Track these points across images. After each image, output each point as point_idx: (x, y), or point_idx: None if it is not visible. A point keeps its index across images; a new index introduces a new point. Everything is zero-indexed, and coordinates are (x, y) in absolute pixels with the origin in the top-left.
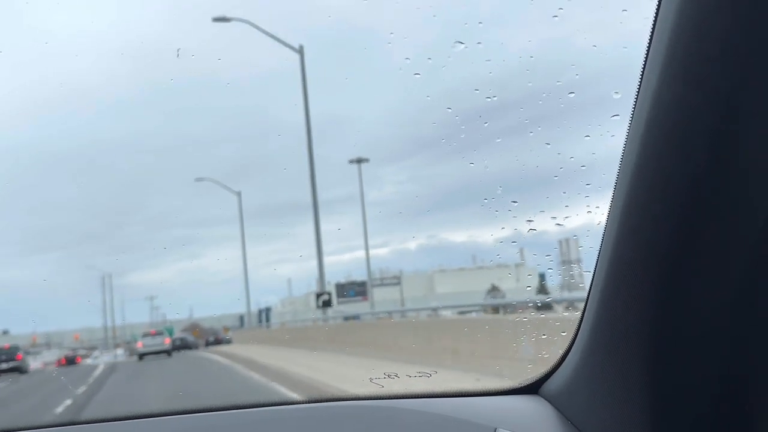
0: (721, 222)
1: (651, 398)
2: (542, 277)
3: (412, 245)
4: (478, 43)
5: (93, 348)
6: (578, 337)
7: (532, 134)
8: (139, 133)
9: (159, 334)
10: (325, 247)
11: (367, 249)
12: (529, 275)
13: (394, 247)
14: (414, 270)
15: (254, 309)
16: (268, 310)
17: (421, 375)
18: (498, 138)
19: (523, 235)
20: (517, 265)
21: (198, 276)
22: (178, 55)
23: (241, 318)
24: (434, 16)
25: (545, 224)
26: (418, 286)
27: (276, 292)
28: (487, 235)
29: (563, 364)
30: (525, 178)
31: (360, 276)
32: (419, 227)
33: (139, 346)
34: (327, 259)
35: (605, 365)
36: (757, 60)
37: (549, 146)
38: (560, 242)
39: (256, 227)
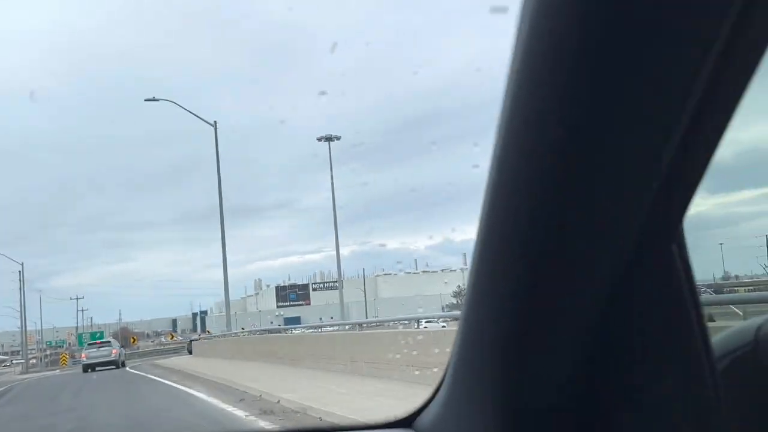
0: (561, 281)
1: (506, 428)
2: None
3: (345, 251)
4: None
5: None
6: (448, 368)
7: (396, 181)
8: (72, 134)
9: (105, 344)
10: (259, 253)
11: (337, 245)
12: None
13: (328, 253)
14: (356, 274)
15: (188, 313)
16: (203, 314)
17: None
18: (371, 175)
19: (455, 243)
20: (462, 270)
21: (128, 280)
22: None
23: (174, 322)
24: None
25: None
26: (360, 290)
27: (210, 296)
28: (420, 242)
29: (436, 396)
30: (448, 191)
31: (299, 280)
32: (353, 234)
33: (83, 357)
34: (261, 264)
35: (468, 394)
36: (603, 102)
37: (414, 192)
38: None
39: (188, 231)
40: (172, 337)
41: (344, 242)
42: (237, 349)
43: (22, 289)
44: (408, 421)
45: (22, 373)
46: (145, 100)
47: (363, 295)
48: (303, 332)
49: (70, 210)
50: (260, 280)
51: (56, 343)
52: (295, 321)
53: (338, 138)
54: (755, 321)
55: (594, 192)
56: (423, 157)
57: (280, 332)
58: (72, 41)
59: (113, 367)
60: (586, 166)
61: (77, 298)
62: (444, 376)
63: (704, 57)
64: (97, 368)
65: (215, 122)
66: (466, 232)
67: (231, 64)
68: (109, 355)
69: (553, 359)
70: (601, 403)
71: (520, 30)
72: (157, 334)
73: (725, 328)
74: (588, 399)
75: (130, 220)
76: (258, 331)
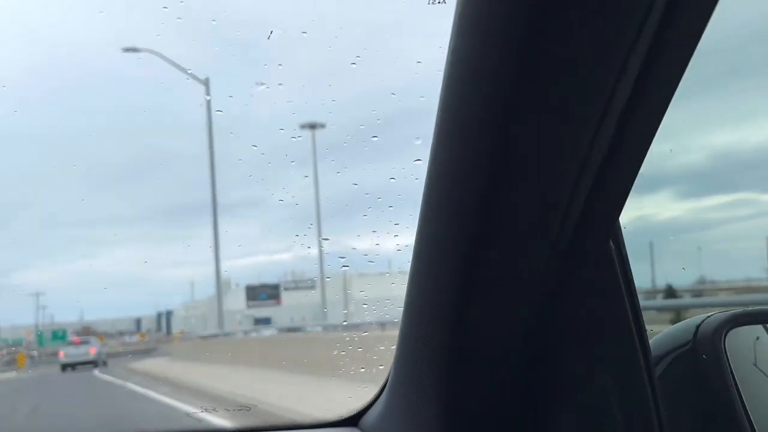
0: (498, 279)
1: (443, 424)
2: None
3: (315, 251)
4: (279, 84)
5: None
6: (393, 367)
7: (338, 174)
8: (30, 126)
9: (84, 342)
10: (227, 252)
11: (320, 242)
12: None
13: (297, 253)
14: (330, 274)
15: (153, 313)
16: (169, 314)
17: (241, 409)
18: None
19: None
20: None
21: (90, 277)
22: None
23: (138, 322)
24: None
25: None
26: (336, 290)
27: (176, 296)
28: (390, 242)
29: (381, 395)
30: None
31: (270, 279)
32: (324, 233)
33: (61, 355)
34: (230, 263)
35: (411, 396)
36: (533, 101)
37: (356, 186)
38: None
39: (152, 229)
40: (143, 336)
41: (313, 242)
42: (228, 351)
43: None
44: (353, 419)
45: None
46: (124, 49)
47: (339, 294)
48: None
49: (30, 204)
50: (229, 279)
51: (13, 341)
52: (266, 321)
53: (323, 125)
54: (695, 320)
55: (525, 191)
56: (391, 155)
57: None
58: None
59: (92, 366)
60: (516, 166)
61: (37, 294)
62: (388, 376)
63: (630, 56)
64: (77, 368)
65: (207, 79)
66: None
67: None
68: (87, 354)
69: (489, 360)
70: (538, 402)
71: (453, 29)
72: (121, 334)
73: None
74: (524, 399)
75: (91, 216)
76: (251, 331)
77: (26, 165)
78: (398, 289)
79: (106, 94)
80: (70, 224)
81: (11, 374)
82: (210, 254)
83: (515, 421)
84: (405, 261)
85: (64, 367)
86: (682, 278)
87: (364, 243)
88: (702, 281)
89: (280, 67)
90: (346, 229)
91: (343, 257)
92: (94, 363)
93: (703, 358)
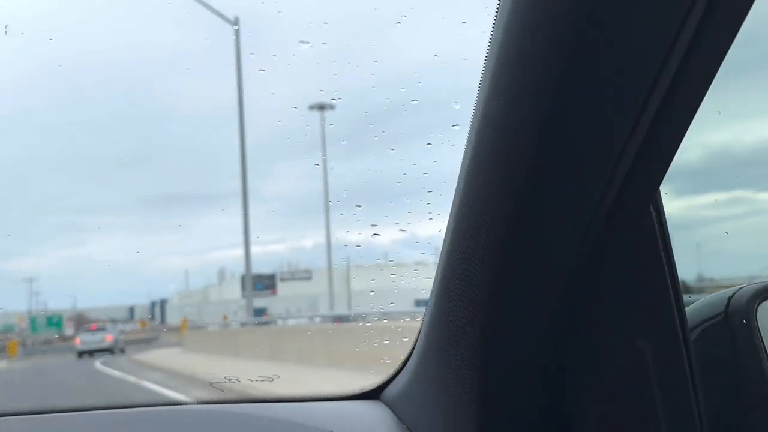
0: (540, 238)
1: (479, 401)
2: None
3: (308, 243)
4: (324, 43)
5: None
6: (418, 341)
7: (377, 138)
8: (20, 111)
9: (101, 329)
10: (219, 242)
11: (328, 230)
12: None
13: (291, 244)
14: (326, 264)
15: (147, 302)
16: (163, 302)
17: (262, 379)
18: (343, 140)
19: (420, 237)
20: (436, 264)
21: (83, 265)
22: (5, 32)
23: (131, 310)
24: (279, 12)
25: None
26: (333, 281)
27: (169, 285)
28: (384, 235)
29: (403, 369)
30: (370, 183)
31: (262, 270)
32: (316, 225)
33: (77, 342)
34: (221, 253)
35: (438, 369)
36: (580, 80)
37: (393, 152)
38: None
39: (145, 218)
40: (144, 324)
41: (307, 234)
42: (252, 342)
43: None
44: (375, 393)
45: None
46: None
47: (336, 287)
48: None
49: (22, 192)
50: (224, 268)
51: (4, 327)
52: (261, 312)
53: (333, 107)
54: (727, 291)
55: (571, 152)
56: (387, 148)
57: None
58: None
59: (109, 353)
60: (561, 133)
61: (30, 280)
62: (411, 351)
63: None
64: (83, 356)
65: (236, 18)
66: (431, 226)
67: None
68: (104, 341)
69: (521, 334)
70: (573, 372)
71: (495, 36)
72: (114, 322)
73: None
74: (557, 369)
75: (84, 204)
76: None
77: (20, 150)
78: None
79: (103, 82)
80: (63, 211)
81: (0, 364)
82: (204, 244)
83: (546, 391)
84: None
85: (81, 354)
86: (681, 275)
87: (355, 236)
88: (701, 278)
89: (326, 25)
90: (378, 198)
91: (375, 225)
92: (110, 350)
93: (734, 329)
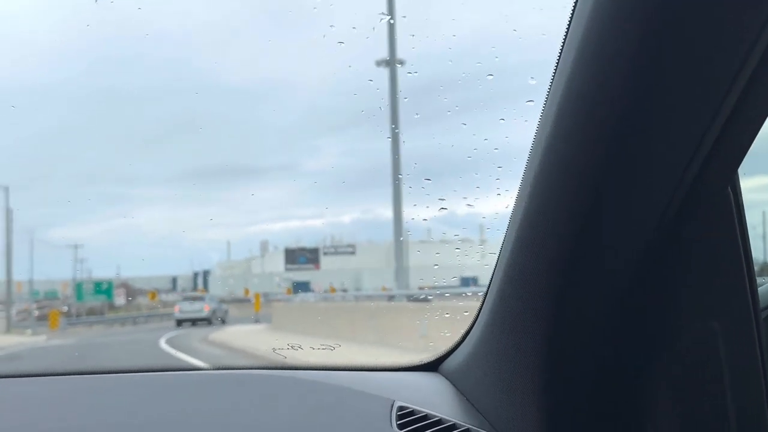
0: (626, 217)
1: (542, 376)
2: None
3: (346, 218)
4: (403, 16)
5: None
6: (479, 316)
7: (449, 113)
8: (67, 82)
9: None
10: (259, 215)
11: (398, 202)
12: (491, 253)
13: (329, 220)
14: (368, 240)
15: (189, 272)
16: (206, 273)
17: (324, 348)
18: (416, 113)
19: (457, 215)
20: (484, 242)
21: (126, 235)
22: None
23: (174, 280)
24: None
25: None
26: (375, 256)
27: (209, 256)
28: (420, 212)
29: (463, 343)
30: (439, 157)
31: (302, 244)
32: (355, 201)
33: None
34: (261, 227)
35: (501, 342)
36: (667, 58)
37: (465, 126)
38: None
39: (187, 189)
40: (203, 292)
41: (345, 210)
42: (362, 319)
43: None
44: (434, 365)
45: None
46: None
47: (379, 262)
48: None
49: (69, 162)
50: (267, 241)
51: (45, 294)
52: (304, 286)
53: (402, 63)
54: None
55: (651, 132)
56: (427, 125)
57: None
58: None
59: (206, 323)
60: (645, 110)
61: (75, 246)
62: (471, 326)
63: None
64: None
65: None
66: (499, 202)
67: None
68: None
69: (594, 308)
70: (643, 350)
71: (581, 10)
72: (158, 291)
73: None
74: (629, 346)
75: (128, 175)
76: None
77: (67, 122)
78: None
79: (146, 53)
80: (107, 182)
81: (38, 338)
82: (245, 217)
83: (614, 367)
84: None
85: (179, 322)
86: (755, 256)
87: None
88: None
89: None
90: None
91: (443, 199)
92: (207, 320)
93: None
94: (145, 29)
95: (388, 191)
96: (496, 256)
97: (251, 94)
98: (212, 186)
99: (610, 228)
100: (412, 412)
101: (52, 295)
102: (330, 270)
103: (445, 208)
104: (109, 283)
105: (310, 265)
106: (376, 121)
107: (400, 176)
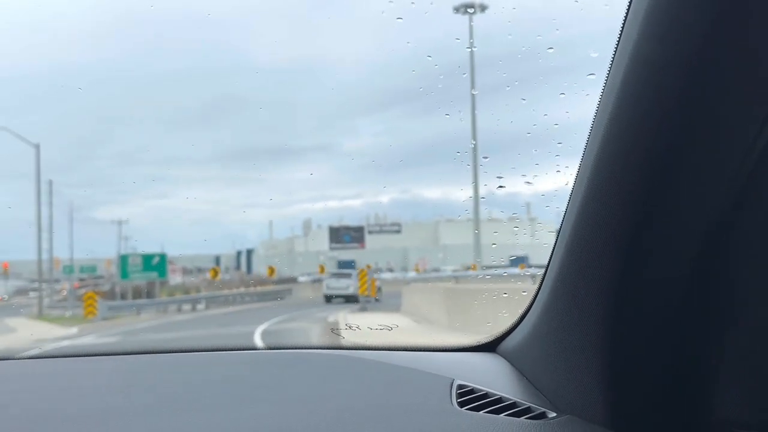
0: (690, 190)
1: (604, 354)
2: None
3: (384, 198)
4: None
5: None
6: (537, 297)
7: (508, 88)
8: (110, 63)
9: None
10: (297, 195)
11: (476, 178)
12: (550, 231)
13: (367, 200)
14: (412, 218)
15: (231, 251)
16: (250, 252)
17: (382, 328)
18: (474, 90)
19: (498, 195)
20: (531, 220)
21: (168, 214)
22: None
23: (217, 259)
24: None
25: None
26: (421, 235)
27: (250, 235)
28: (459, 191)
29: (521, 323)
30: (498, 133)
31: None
32: (393, 181)
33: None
34: (300, 207)
35: (561, 323)
36: (734, 25)
37: (524, 102)
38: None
39: (227, 170)
40: (273, 272)
41: (384, 190)
42: None
43: (39, 209)
44: (491, 345)
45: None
46: None
47: (425, 241)
48: None
49: (111, 143)
50: (310, 219)
51: (81, 269)
52: (349, 265)
53: (484, 8)
54: None
55: (721, 99)
56: (465, 105)
57: None
58: None
59: (353, 300)
60: (716, 75)
61: (120, 222)
62: (528, 308)
63: None
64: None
65: None
66: (558, 179)
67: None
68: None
69: (657, 285)
70: (707, 326)
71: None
72: (200, 271)
73: None
74: (692, 322)
75: (167, 156)
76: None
77: (107, 104)
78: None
79: (184, 35)
80: (149, 163)
81: (70, 330)
82: (283, 197)
83: (679, 348)
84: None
85: (328, 298)
86: None
87: (433, 193)
88: None
89: None
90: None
91: (501, 177)
92: (354, 298)
93: None
94: (183, 11)
95: (427, 170)
96: (555, 235)
97: (288, 74)
98: (251, 166)
99: (676, 204)
100: (471, 391)
101: (89, 270)
102: (375, 249)
103: (503, 186)
104: (162, 257)
105: (355, 244)
106: (418, 100)
107: (473, 142)
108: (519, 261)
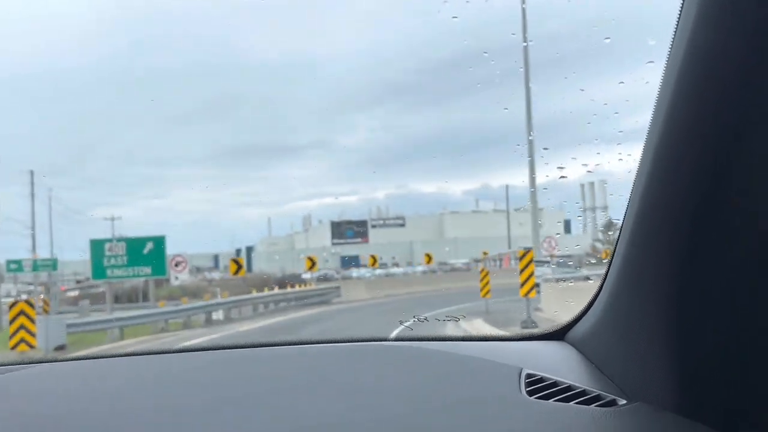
0: (753, 174)
1: (673, 342)
2: (567, 223)
3: (380, 194)
4: None
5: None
6: (604, 285)
7: (566, 79)
8: (102, 64)
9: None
10: (294, 193)
11: (532, 168)
12: (558, 222)
13: (363, 196)
14: (415, 211)
15: (231, 249)
16: (249, 249)
17: (449, 319)
18: (531, 83)
19: (492, 188)
20: (539, 210)
21: (166, 214)
22: None
23: (216, 258)
24: None
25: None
26: (425, 228)
27: (248, 234)
28: (456, 186)
29: (588, 312)
30: (558, 124)
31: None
32: (389, 177)
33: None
34: (296, 204)
35: (630, 311)
36: None
37: (583, 92)
38: (582, 186)
39: (226, 169)
40: (313, 266)
41: (379, 185)
42: None
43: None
44: (558, 334)
45: None
46: None
47: (429, 234)
48: None
49: (107, 143)
50: (310, 215)
51: (36, 266)
52: (354, 260)
53: None
54: None
55: None
56: (462, 99)
57: None
58: None
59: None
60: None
61: (113, 218)
62: (596, 296)
63: None
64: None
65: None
66: (504, 177)
67: None
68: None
69: (724, 273)
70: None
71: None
72: (198, 270)
73: None
74: (762, 308)
75: (164, 155)
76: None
77: (102, 104)
78: None
79: (180, 34)
80: (145, 162)
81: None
82: (279, 195)
83: (750, 333)
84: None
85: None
86: None
87: (429, 187)
88: None
89: None
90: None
91: (563, 167)
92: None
93: None
94: (179, 9)
95: (423, 165)
96: (619, 222)
97: (284, 70)
98: (247, 165)
99: (740, 189)
100: (540, 380)
101: (48, 268)
102: (379, 243)
103: (565, 177)
104: (158, 242)
105: (358, 239)
106: (416, 95)
107: (517, 145)
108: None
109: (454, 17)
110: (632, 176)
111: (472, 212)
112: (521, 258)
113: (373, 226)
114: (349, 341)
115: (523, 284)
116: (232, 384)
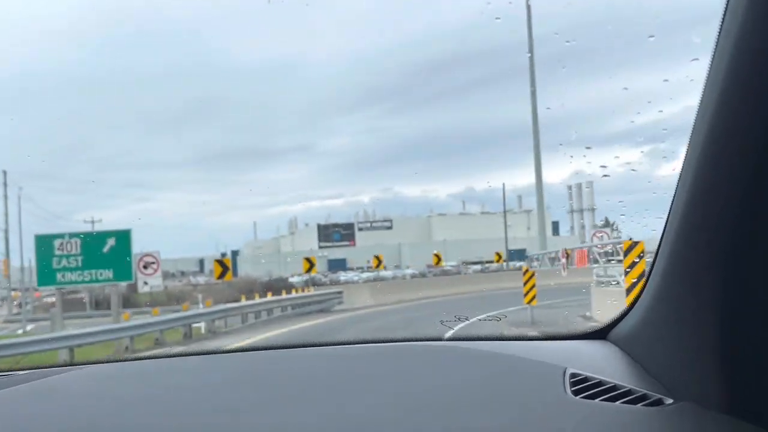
0: None
1: (723, 341)
2: (556, 225)
3: (365, 198)
4: None
5: None
6: (648, 284)
7: (610, 78)
8: (81, 67)
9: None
10: (278, 197)
11: (538, 166)
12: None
13: (348, 199)
14: (401, 214)
15: (216, 252)
16: (235, 253)
17: (490, 319)
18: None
19: (476, 191)
20: (528, 212)
21: (149, 218)
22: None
23: (201, 262)
24: None
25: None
26: (413, 231)
27: (233, 237)
28: (441, 189)
29: (632, 311)
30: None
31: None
32: (374, 180)
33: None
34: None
35: (677, 309)
36: None
37: (627, 90)
38: (569, 188)
39: (210, 173)
40: (313, 268)
41: (365, 189)
42: None
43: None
44: (601, 333)
45: None
46: None
47: (417, 237)
48: None
49: (89, 149)
50: (296, 218)
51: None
52: (340, 264)
53: None
54: None
55: None
56: (444, 102)
57: None
58: None
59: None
60: None
61: (93, 222)
62: (638, 296)
63: None
64: None
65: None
66: (486, 180)
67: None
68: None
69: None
70: None
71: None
72: (183, 274)
73: None
74: None
75: (147, 159)
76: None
77: (83, 108)
78: None
79: (164, 38)
80: (127, 167)
81: None
82: (263, 199)
83: None
84: None
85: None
86: None
87: (413, 191)
88: None
89: None
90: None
91: (605, 166)
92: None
93: None
94: (162, 13)
95: (407, 168)
96: (664, 220)
97: (267, 74)
98: (232, 168)
99: None
100: (585, 379)
101: None
102: (367, 246)
103: (608, 175)
104: (122, 236)
105: (345, 242)
106: (386, 101)
107: (560, 144)
108: (519, 254)
109: (497, 18)
110: (676, 174)
111: (460, 214)
112: (627, 252)
113: (360, 229)
114: (399, 341)
115: (629, 289)
116: (285, 383)
